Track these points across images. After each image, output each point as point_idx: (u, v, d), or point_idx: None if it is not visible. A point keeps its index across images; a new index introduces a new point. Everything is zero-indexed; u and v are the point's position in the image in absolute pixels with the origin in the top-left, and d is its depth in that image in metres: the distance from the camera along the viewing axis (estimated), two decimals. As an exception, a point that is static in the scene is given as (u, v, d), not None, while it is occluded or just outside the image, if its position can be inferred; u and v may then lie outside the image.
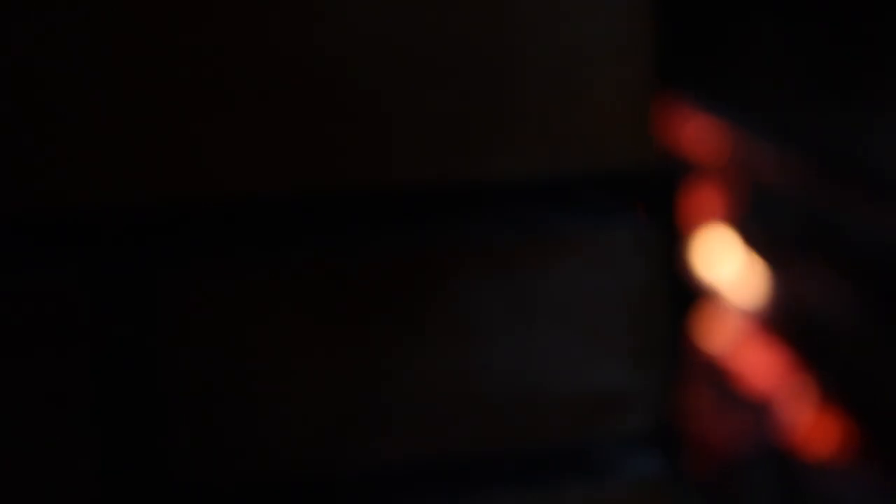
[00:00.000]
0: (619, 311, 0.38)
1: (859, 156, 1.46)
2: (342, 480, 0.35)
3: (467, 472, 0.37)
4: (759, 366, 1.32)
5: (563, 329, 0.38)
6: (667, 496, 0.42)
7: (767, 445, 1.14)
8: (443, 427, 0.35)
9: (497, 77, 0.36)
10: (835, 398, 1.19)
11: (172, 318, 0.29)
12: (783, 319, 1.28)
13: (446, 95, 0.35)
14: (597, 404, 0.38)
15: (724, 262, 1.39)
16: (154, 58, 0.29)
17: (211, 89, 0.30)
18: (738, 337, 1.33)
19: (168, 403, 0.29)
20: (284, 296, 0.31)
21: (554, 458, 0.38)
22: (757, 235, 1.50)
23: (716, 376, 1.23)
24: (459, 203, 0.37)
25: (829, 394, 1.19)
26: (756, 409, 1.19)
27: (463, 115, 0.36)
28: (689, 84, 1.43)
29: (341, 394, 0.33)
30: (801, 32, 1.72)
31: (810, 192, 1.46)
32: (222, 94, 0.30)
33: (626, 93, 0.38)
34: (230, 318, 0.31)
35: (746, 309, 1.33)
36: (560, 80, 0.37)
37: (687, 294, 1.19)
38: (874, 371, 1.16)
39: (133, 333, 0.29)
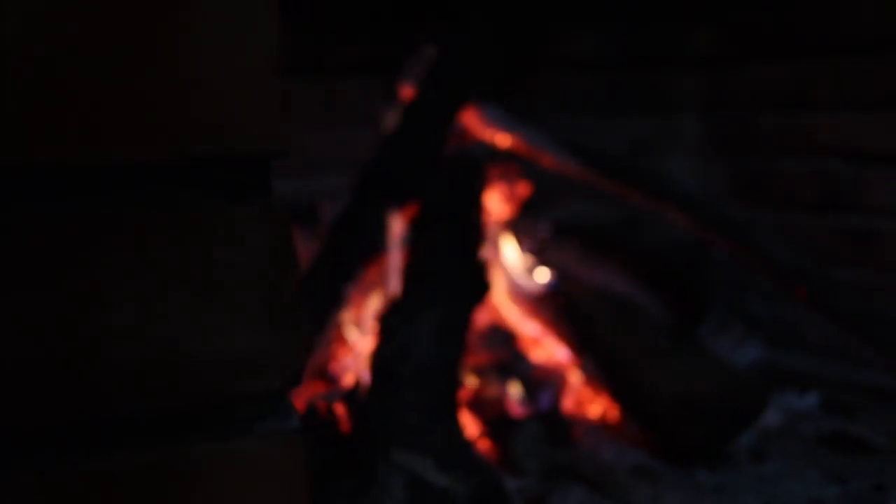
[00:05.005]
0: (250, 282, 0.40)
1: (641, 165, 1.60)
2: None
3: (105, 431, 0.38)
4: (542, 343, 1.44)
5: (197, 298, 0.39)
6: (297, 450, 0.45)
7: (541, 409, 1.25)
8: (80, 388, 0.37)
9: (132, 64, 0.37)
10: (598, 374, 1.32)
11: None
12: (560, 304, 1.40)
13: (87, 78, 0.36)
14: (231, 366, 0.40)
15: (515, 252, 1.50)
16: None
17: None
18: (525, 317, 1.44)
19: None
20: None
21: (191, 417, 0.40)
22: (543, 230, 1.62)
23: (501, 351, 1.34)
24: (98, 181, 0.37)
25: (594, 370, 1.32)
26: (533, 379, 1.31)
27: (101, 98, 0.39)
28: (491, 101, 1.53)
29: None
30: (593, 61, 1.85)
31: (595, 194, 1.59)
32: None
33: (252, 84, 0.41)
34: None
35: (531, 292, 1.44)
36: (190, 70, 0.41)
37: (478, 277, 1.29)
38: (628, 354, 1.29)
39: None
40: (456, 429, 1.06)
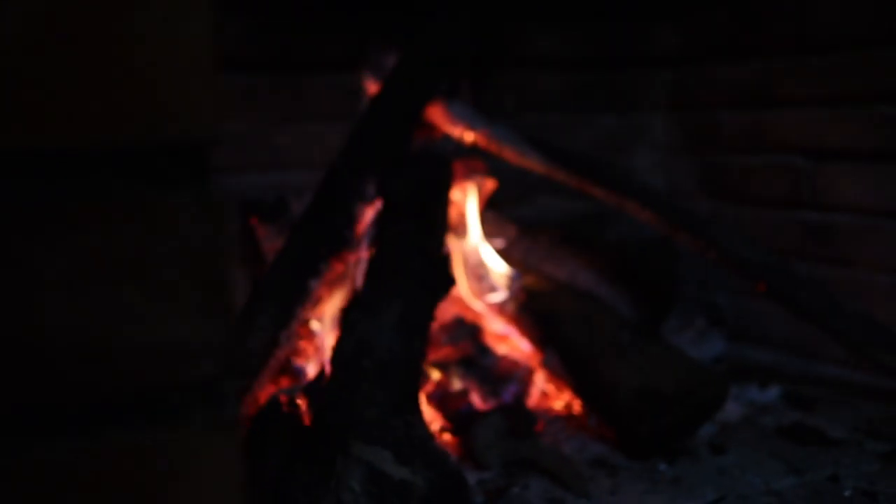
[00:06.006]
0: (183, 269, 0.40)
1: (605, 162, 1.61)
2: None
3: (40, 420, 0.38)
4: (506, 337, 1.45)
5: (130, 286, 0.38)
6: (232, 439, 0.46)
7: (505, 403, 1.26)
8: (11, 378, 0.37)
9: (65, 50, 0.40)
10: (561, 369, 1.33)
11: None
12: (523, 299, 1.41)
13: (21, 65, 0.39)
14: (164, 354, 0.40)
15: (480, 247, 1.50)
16: None
17: None
18: (490, 311, 1.45)
19: None
20: None
21: (123, 405, 0.40)
22: (510, 226, 1.62)
23: (465, 345, 1.34)
24: (31, 169, 0.38)
25: (557, 365, 1.33)
26: (497, 373, 1.31)
27: (33, 85, 0.39)
28: (458, 97, 1.53)
29: None
30: (560, 59, 1.86)
31: (563, 190, 1.60)
32: None
33: (185, 72, 0.41)
34: None
35: (495, 288, 1.45)
36: (125, 58, 0.41)
37: (442, 271, 1.30)
38: (589, 349, 1.31)
39: None
40: (416, 422, 1.06)
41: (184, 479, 0.42)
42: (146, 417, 0.42)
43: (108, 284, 0.40)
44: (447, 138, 1.55)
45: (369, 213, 1.37)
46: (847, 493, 1.14)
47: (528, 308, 1.41)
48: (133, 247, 0.41)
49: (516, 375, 1.34)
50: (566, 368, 1.32)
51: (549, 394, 1.41)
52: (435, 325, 1.32)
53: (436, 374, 1.29)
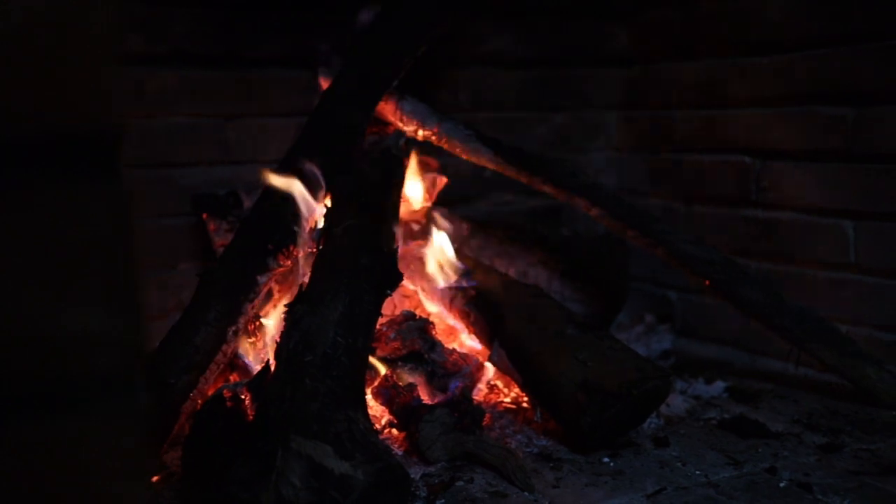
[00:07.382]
0: (87, 261, 0.40)
1: (555, 159, 1.63)
2: None
3: None
4: (455, 332, 1.45)
5: (32, 276, 0.39)
6: (140, 430, 0.46)
7: (452, 398, 1.26)
8: None
9: None
10: (508, 363, 1.33)
11: None
12: (472, 295, 1.42)
13: None
14: (68, 345, 0.40)
15: (432, 243, 1.50)
16: None
17: None
18: (439, 307, 1.46)
19: None
20: None
21: (28, 397, 0.40)
22: (464, 222, 1.63)
23: (414, 340, 1.35)
24: None
25: (505, 360, 1.34)
26: (445, 368, 1.32)
27: None
28: (411, 94, 1.54)
29: None
30: (514, 57, 1.85)
31: (518, 186, 1.61)
32: None
33: (90, 72, 0.42)
34: None
35: (446, 283, 1.45)
36: (31, 55, 0.41)
37: (389, 267, 1.30)
38: (535, 344, 1.32)
39: None
40: (359, 416, 1.07)
41: (91, 467, 0.42)
42: (51, 407, 0.42)
43: (11, 273, 0.40)
44: (399, 134, 1.55)
45: (319, 209, 1.37)
46: (782, 485, 1.16)
47: (476, 304, 1.42)
48: (35, 237, 0.41)
49: (464, 370, 1.35)
50: (513, 363, 1.34)
51: (497, 388, 1.42)
52: (383, 320, 1.33)
53: (383, 369, 1.29)
